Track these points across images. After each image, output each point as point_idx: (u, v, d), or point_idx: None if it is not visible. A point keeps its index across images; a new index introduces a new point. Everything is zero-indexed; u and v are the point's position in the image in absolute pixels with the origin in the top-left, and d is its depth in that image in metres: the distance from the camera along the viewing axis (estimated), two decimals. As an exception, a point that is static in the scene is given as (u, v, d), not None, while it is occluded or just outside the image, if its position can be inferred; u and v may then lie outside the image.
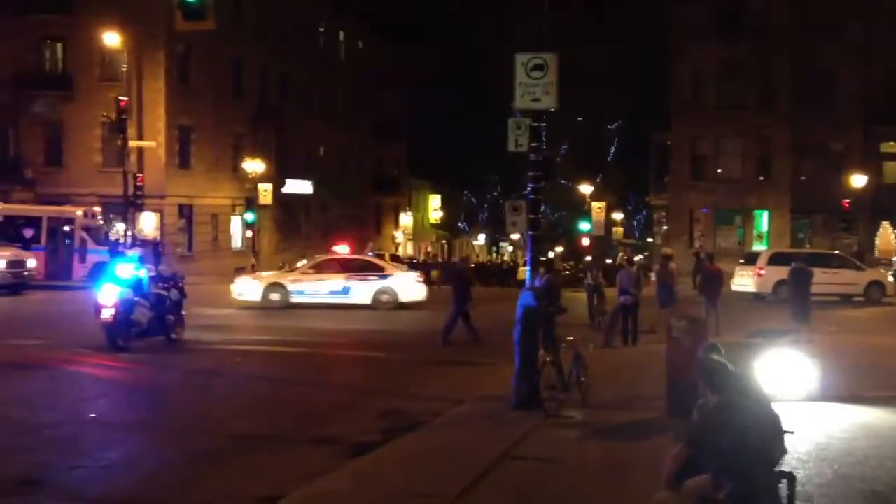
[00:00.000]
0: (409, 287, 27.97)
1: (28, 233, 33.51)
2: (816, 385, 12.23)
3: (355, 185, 57.95)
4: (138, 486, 8.51)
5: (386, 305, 27.10)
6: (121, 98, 37.54)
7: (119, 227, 38.80)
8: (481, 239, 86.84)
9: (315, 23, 57.31)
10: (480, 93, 66.71)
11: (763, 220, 48.73)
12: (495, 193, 78.06)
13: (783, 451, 6.01)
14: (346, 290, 27.36)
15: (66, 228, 34.12)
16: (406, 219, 69.74)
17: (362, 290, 27.31)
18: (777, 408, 6.17)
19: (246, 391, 13.75)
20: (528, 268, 13.35)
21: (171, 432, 10.82)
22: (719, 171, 49.59)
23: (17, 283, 29.25)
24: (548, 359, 11.94)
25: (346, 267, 28.33)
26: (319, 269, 28.15)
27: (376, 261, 30.67)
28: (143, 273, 17.80)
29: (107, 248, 33.89)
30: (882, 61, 45.34)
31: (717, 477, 5.83)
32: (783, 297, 22.82)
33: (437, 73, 71.89)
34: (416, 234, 73.06)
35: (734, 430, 5.75)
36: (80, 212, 34.53)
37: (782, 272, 25.42)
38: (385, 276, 27.82)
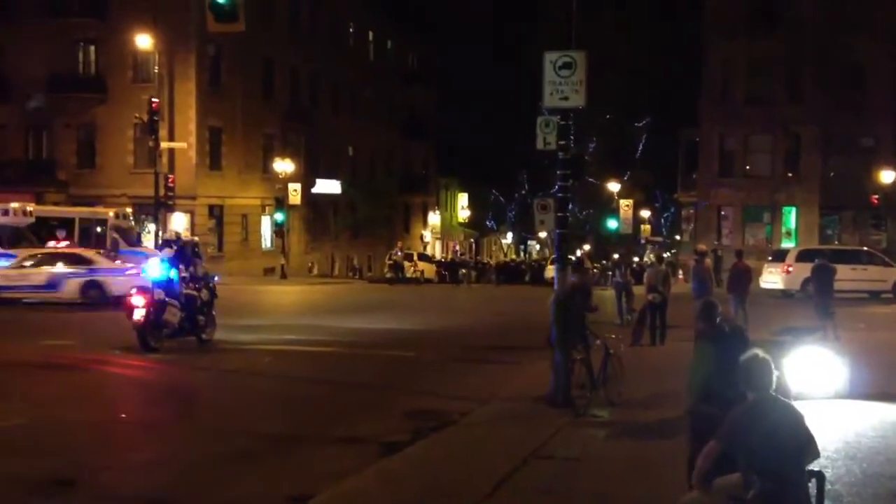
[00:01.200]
0: (120, 281, 25.58)
1: (60, 234, 33.87)
2: (845, 383, 12.16)
3: (384, 184, 58.09)
4: (169, 486, 8.61)
5: (94, 299, 25.88)
6: (153, 99, 37.93)
7: (150, 228, 39.21)
8: (509, 237, 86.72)
9: (344, 22, 57.54)
10: (509, 90, 66.52)
11: (791, 216, 48.30)
12: (523, 191, 77.90)
13: (816, 455, 6.00)
14: (53, 285, 26.34)
15: (99, 229, 34.45)
16: (434, 218, 69.81)
17: (69, 284, 26.25)
18: (805, 406, 6.18)
19: (275, 391, 13.87)
20: (555, 266, 13.39)
21: (201, 432, 10.94)
22: (748, 167, 49.22)
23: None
24: (578, 357, 11.99)
25: (56, 260, 27.17)
26: (33, 263, 27.05)
27: (87, 253, 28.39)
28: (173, 274, 17.96)
29: (139, 248, 34.23)
30: (914, 55, 44.80)
31: (748, 476, 5.85)
32: (811, 293, 22.64)
33: (466, 70, 71.83)
34: (444, 233, 73.11)
35: (765, 428, 5.77)
36: (112, 213, 34.88)
37: (810, 269, 25.21)
38: (95, 270, 26.57)
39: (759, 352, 6.12)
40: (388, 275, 46.56)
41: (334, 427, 11.13)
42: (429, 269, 51.52)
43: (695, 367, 7.55)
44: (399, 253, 48.16)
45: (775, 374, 6.00)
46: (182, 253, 18.10)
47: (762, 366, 5.98)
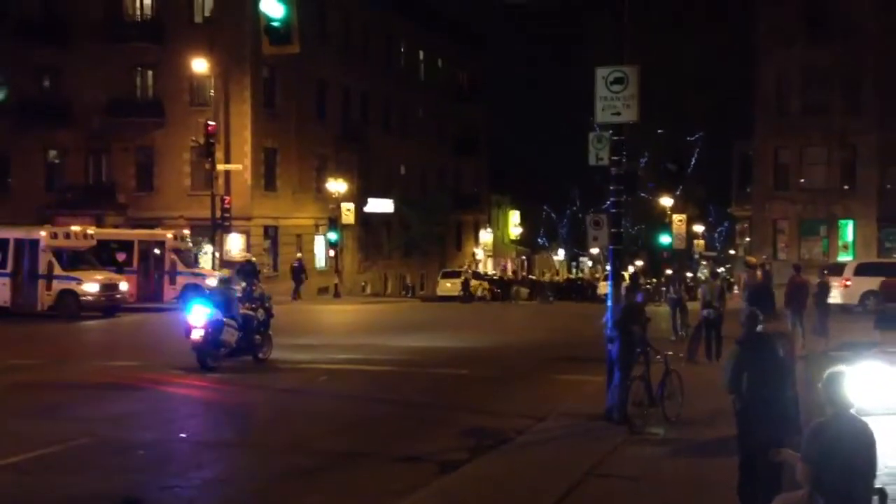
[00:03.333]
0: None
1: (120, 256, 34.59)
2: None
3: (436, 202, 58.30)
4: (234, 505, 8.76)
5: None
6: (209, 123, 38.57)
7: (208, 249, 39.80)
8: (561, 254, 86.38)
9: (395, 41, 58.01)
10: (560, 105, 66.39)
11: (848, 229, 47.46)
12: (574, 208, 77.56)
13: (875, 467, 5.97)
14: None
15: (157, 251, 35.09)
16: (486, 235, 69.87)
17: None
18: (868, 421, 6.14)
19: (332, 410, 14.00)
20: (609, 282, 13.37)
21: (260, 451, 11.09)
22: (802, 180, 48.51)
23: (111, 306, 30.22)
24: (636, 374, 11.98)
25: None
26: None
27: None
28: (232, 294, 18.25)
29: (196, 269, 34.77)
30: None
31: (813, 494, 5.80)
32: (871, 308, 22.27)
33: (516, 87, 71.93)
34: (496, 250, 73.08)
35: (833, 444, 5.77)
36: (170, 235, 35.49)
37: (869, 283, 24.79)
38: None
39: (843, 368, 6.13)
40: (460, 293, 47.12)
41: (392, 445, 11.21)
42: (482, 287, 51.81)
43: (724, 366, 8.23)
44: (469, 271, 49.13)
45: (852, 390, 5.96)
46: (247, 273, 18.38)
47: (843, 382, 5.97)
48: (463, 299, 45.71)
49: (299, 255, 43.99)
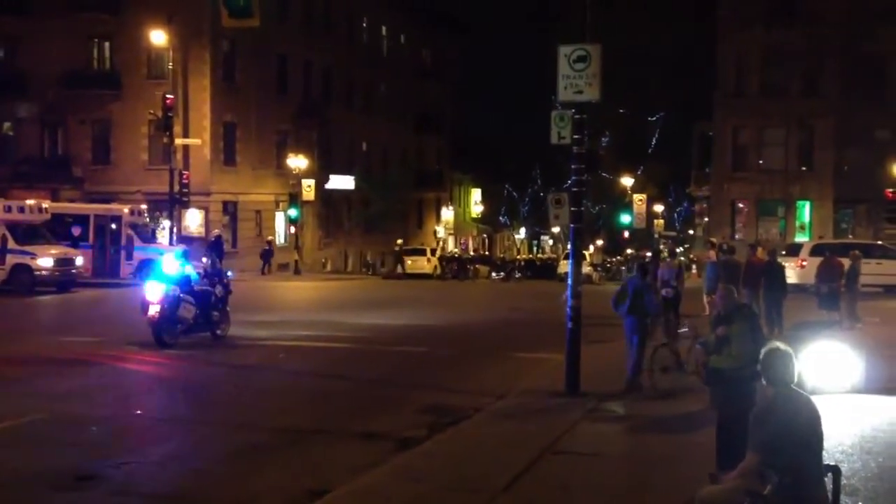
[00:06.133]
0: None
1: (76, 231, 34.04)
2: (861, 377, 12.14)
3: (397, 180, 58.12)
4: (186, 481, 8.68)
5: None
6: (167, 96, 38.05)
7: (165, 224, 39.40)
8: (522, 233, 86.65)
9: (358, 17, 57.53)
10: (522, 85, 66.46)
11: (805, 210, 48.11)
12: (536, 187, 77.80)
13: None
14: None
15: (113, 226, 34.60)
16: (448, 213, 69.83)
17: None
18: (821, 400, 6.19)
19: (290, 387, 13.93)
20: (569, 261, 13.39)
21: (217, 427, 11.00)
22: (761, 161, 49.03)
23: (66, 281, 29.80)
24: (661, 343, 13.21)
25: None
26: None
27: None
28: (189, 270, 18.05)
29: (153, 245, 34.37)
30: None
31: (765, 470, 5.84)
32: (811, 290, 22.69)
33: (479, 65, 71.79)
34: (457, 228, 73.10)
35: (782, 422, 5.78)
36: (126, 209, 35.00)
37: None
38: None
39: (780, 345, 6.10)
40: (435, 272, 47.58)
41: (350, 422, 11.17)
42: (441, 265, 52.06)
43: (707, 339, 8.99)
44: (442, 249, 49.86)
45: (796, 366, 5.97)
46: (213, 249, 18.16)
47: (782, 359, 5.96)
48: (440, 276, 46.15)
49: (270, 238, 44.79)
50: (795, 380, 5.95)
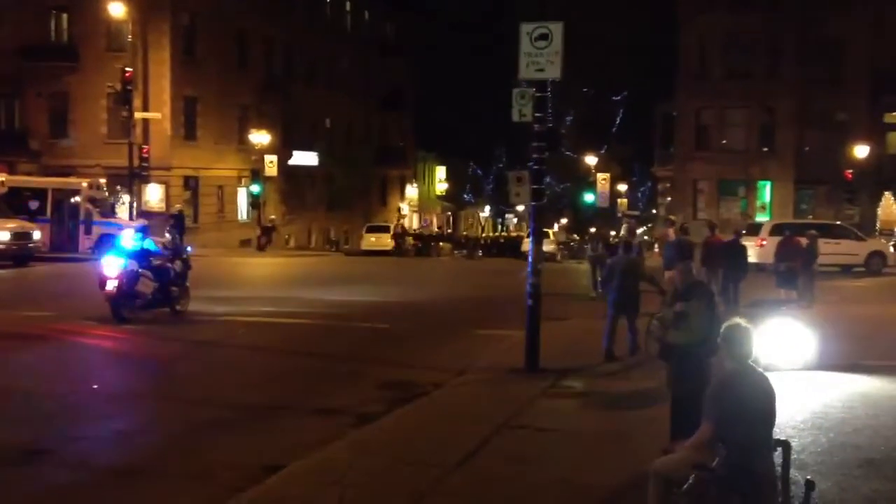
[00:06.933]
0: None
1: (33, 205, 33.51)
2: (815, 354, 12.32)
3: (361, 157, 57.87)
4: (141, 456, 8.62)
5: None
6: (126, 69, 37.51)
7: (125, 199, 38.96)
8: (487, 211, 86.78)
9: (321, -8, 57.08)
10: (487, 62, 66.25)
11: (766, 191, 48.58)
12: (501, 165, 77.86)
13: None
14: None
15: (72, 200, 34.15)
16: (412, 191, 69.69)
17: None
18: (774, 377, 6.27)
19: (249, 362, 13.88)
20: (531, 239, 13.43)
21: (174, 403, 10.93)
22: (724, 141, 49.40)
23: (23, 255, 29.35)
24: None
25: None
26: None
27: None
28: (148, 245, 17.88)
29: (112, 219, 33.98)
30: (891, 31, 44.98)
31: (714, 443, 5.91)
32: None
33: (443, 42, 71.49)
34: (422, 206, 73.05)
35: (737, 398, 5.84)
36: (85, 183, 34.51)
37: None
38: None
39: (741, 321, 6.16)
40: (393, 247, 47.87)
41: (308, 398, 11.15)
42: (407, 242, 52.09)
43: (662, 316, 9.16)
44: (400, 226, 49.89)
45: (754, 343, 6.03)
46: (175, 224, 17.99)
47: (743, 334, 6.02)
48: (396, 253, 46.07)
49: (273, 216, 46.72)
50: (753, 356, 6.01)
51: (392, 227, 51.89)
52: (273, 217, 46.86)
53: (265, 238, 43.74)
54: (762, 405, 5.90)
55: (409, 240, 52.53)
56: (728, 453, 5.81)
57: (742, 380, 5.92)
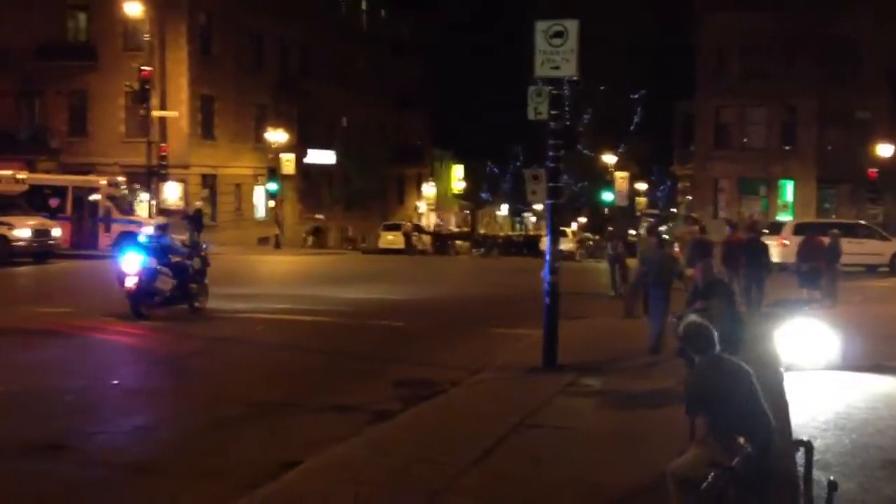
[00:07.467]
0: None
1: (54, 202, 33.75)
2: (838, 354, 12.18)
3: (377, 155, 57.83)
4: (159, 452, 8.63)
5: None
6: (143, 68, 37.63)
7: (143, 197, 39.11)
8: (504, 209, 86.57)
9: (338, -9, 57.10)
10: (504, 60, 66.12)
11: (788, 190, 48.21)
12: (518, 163, 77.65)
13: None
14: None
15: (91, 198, 34.35)
16: (429, 189, 69.58)
17: None
18: (797, 377, 6.23)
19: (266, 359, 13.86)
20: (547, 237, 13.34)
21: (191, 399, 10.94)
22: (744, 140, 49.09)
23: (43, 252, 29.53)
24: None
25: None
26: None
27: None
28: (166, 242, 17.93)
29: (131, 217, 34.13)
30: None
31: (728, 441, 5.82)
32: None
33: (460, 40, 71.27)
34: (439, 204, 72.93)
35: (716, 386, 5.94)
36: (104, 181, 34.71)
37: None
38: None
39: (696, 317, 6.53)
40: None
41: (325, 395, 11.12)
42: (425, 241, 51.98)
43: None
44: (410, 225, 50.31)
45: (714, 334, 6.25)
46: (194, 222, 18.07)
47: (698, 331, 6.27)
48: (407, 251, 46.00)
49: (320, 215, 48.78)
50: (718, 348, 6.24)
51: (402, 225, 51.96)
52: (320, 216, 47.90)
53: (315, 238, 45.21)
54: (742, 385, 6.02)
55: (424, 238, 52.36)
56: (747, 452, 5.73)
57: (714, 368, 6.11)
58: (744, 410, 5.91)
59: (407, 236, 48.60)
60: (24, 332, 15.14)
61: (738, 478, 5.72)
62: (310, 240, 47.48)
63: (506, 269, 35.56)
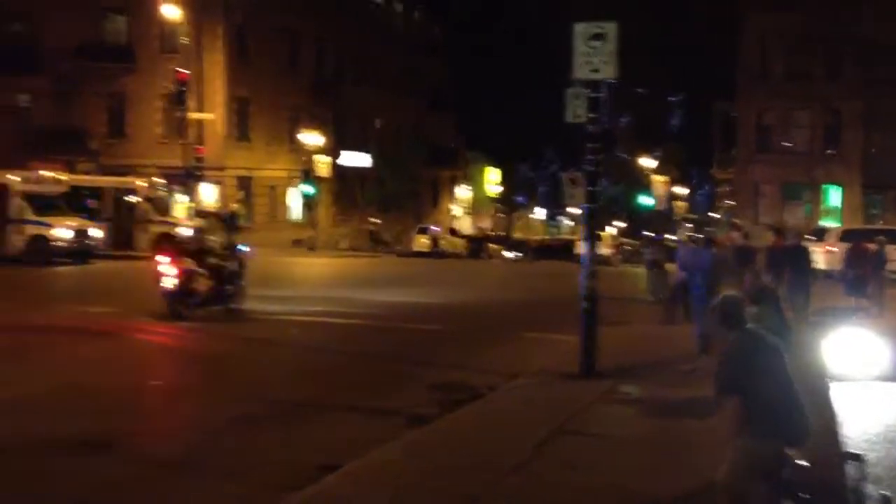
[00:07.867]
0: None
1: (92, 203, 34.11)
2: (889, 364, 11.86)
3: (411, 158, 57.82)
4: (199, 451, 8.63)
5: None
6: (180, 70, 37.91)
7: (181, 198, 39.39)
8: (540, 213, 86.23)
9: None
10: (539, 62, 65.76)
11: (831, 195, 47.34)
12: (555, 166, 77.28)
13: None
14: None
15: (130, 199, 34.68)
16: (464, 192, 69.42)
17: None
18: (847, 387, 6.03)
19: (302, 361, 13.83)
20: (584, 241, 13.16)
21: (230, 399, 10.91)
22: (788, 143, 48.32)
23: (83, 253, 29.84)
24: None
25: None
26: None
27: None
28: (204, 243, 18.01)
29: (169, 218, 34.39)
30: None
31: (782, 452, 5.60)
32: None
33: (495, 42, 71.14)
34: (475, 207, 72.78)
35: (746, 359, 5.62)
36: (143, 182, 35.06)
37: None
38: None
39: (730, 292, 6.35)
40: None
41: (361, 398, 11.06)
42: (458, 244, 51.94)
43: None
44: (436, 229, 50.47)
45: (748, 310, 6.07)
46: (229, 223, 18.20)
47: (737, 304, 5.97)
48: (432, 255, 46.01)
49: (376, 220, 49.70)
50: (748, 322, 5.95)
51: (429, 229, 52.14)
52: (376, 220, 48.48)
53: (375, 244, 46.40)
54: (780, 363, 5.70)
55: (456, 241, 52.35)
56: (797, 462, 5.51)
57: (746, 341, 5.78)
58: (782, 393, 5.58)
59: (434, 240, 48.76)
60: (63, 331, 15.30)
61: (789, 487, 5.53)
62: (370, 244, 48.34)
63: (540, 274, 35.35)
